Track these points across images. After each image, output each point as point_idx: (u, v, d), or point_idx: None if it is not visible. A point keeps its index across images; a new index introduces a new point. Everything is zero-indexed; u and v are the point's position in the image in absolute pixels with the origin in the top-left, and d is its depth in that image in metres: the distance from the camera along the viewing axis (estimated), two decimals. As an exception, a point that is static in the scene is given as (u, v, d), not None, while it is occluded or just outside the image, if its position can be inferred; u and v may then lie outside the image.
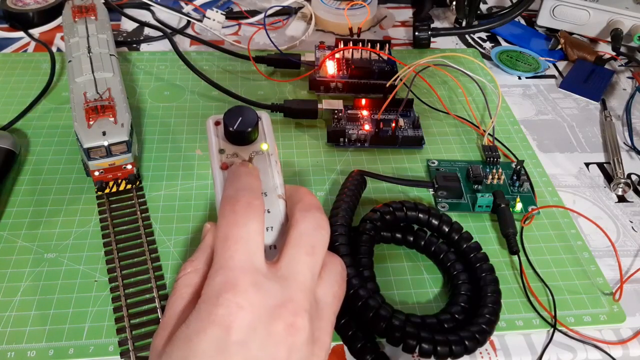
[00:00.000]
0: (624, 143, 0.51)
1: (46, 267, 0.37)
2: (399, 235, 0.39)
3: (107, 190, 0.42)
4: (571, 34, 0.64)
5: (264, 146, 0.29)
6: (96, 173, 0.41)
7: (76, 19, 0.51)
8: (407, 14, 0.69)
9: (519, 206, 0.42)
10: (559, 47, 0.62)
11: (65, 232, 0.40)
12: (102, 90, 0.42)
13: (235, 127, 0.28)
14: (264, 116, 0.31)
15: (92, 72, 0.44)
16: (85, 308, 0.35)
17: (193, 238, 0.40)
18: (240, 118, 0.28)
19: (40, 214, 0.41)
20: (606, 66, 0.60)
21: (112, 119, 0.40)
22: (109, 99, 0.41)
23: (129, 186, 0.42)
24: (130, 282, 0.37)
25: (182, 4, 0.67)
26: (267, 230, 0.27)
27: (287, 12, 0.66)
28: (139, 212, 0.41)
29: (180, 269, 0.26)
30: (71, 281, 0.37)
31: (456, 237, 0.38)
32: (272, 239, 0.27)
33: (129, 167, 0.41)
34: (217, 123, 0.30)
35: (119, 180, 0.42)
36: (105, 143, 0.39)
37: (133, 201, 0.42)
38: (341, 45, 0.53)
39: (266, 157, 0.29)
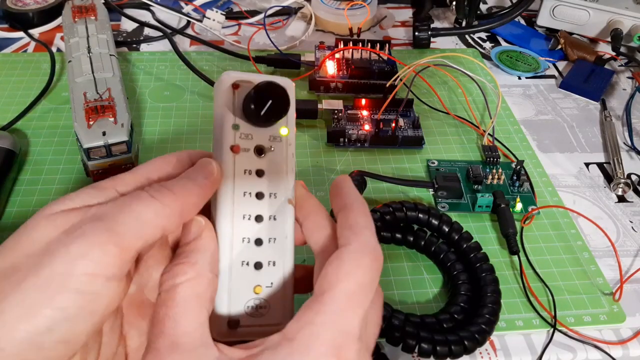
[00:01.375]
0: (624, 143, 0.51)
1: (46, 267, 0.37)
2: (399, 236, 0.39)
3: None
4: (571, 34, 0.64)
5: (284, 131, 0.25)
6: (96, 173, 0.41)
7: (76, 19, 0.51)
8: (407, 14, 0.69)
9: (519, 206, 0.42)
10: (559, 47, 0.62)
11: (65, 232, 0.40)
12: (102, 90, 0.42)
13: (264, 112, 0.23)
14: (289, 86, 0.25)
15: (92, 72, 0.44)
16: (85, 308, 0.35)
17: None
18: (271, 101, 0.23)
19: (40, 214, 0.41)
20: (606, 66, 0.60)
21: (112, 119, 0.40)
22: (108, 99, 0.41)
23: None
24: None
25: (182, 4, 0.67)
26: (269, 241, 0.24)
27: (287, 12, 0.66)
28: (139, 212, 0.41)
29: (174, 270, 0.22)
30: (71, 281, 0.37)
31: (456, 237, 0.38)
32: (269, 253, 0.24)
33: (129, 167, 0.41)
34: (235, 86, 0.24)
35: None
36: (106, 143, 0.39)
37: (133, 201, 0.42)
38: (341, 46, 0.53)
39: (284, 146, 0.25)
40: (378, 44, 0.53)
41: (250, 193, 0.24)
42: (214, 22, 0.60)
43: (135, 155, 0.42)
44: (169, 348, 0.20)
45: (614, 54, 0.60)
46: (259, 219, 0.24)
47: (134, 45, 0.60)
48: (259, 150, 0.24)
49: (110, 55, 0.47)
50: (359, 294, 0.21)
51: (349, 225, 0.23)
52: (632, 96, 0.56)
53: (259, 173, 0.24)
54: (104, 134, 0.39)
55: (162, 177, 0.24)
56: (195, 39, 0.58)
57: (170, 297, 0.21)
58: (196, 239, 0.23)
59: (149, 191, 0.22)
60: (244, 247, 0.24)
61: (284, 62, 0.55)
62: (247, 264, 0.24)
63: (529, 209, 0.43)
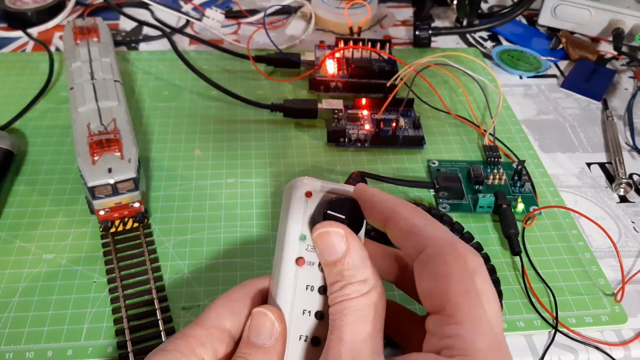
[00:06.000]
0: (626, 143, 0.51)
1: (44, 267, 0.37)
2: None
3: (112, 230, 0.39)
4: (572, 33, 0.64)
5: None
6: (101, 212, 0.37)
7: (78, 42, 0.48)
8: (407, 13, 0.68)
9: (520, 206, 0.42)
10: (560, 46, 0.62)
11: (63, 232, 0.40)
12: (106, 121, 0.40)
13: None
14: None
15: (96, 101, 0.41)
16: (84, 309, 0.35)
17: (192, 239, 0.40)
18: (345, 217, 0.22)
19: (39, 215, 0.41)
20: (608, 65, 0.60)
21: (118, 154, 0.37)
22: (114, 132, 0.39)
23: (135, 225, 0.39)
24: (129, 283, 0.36)
25: (181, 3, 0.66)
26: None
27: (287, 11, 0.66)
28: (138, 213, 0.40)
29: (347, 288, 0.21)
30: (70, 282, 0.36)
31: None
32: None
33: (137, 205, 0.38)
34: (308, 194, 0.22)
35: (126, 219, 0.39)
36: (112, 181, 0.36)
37: (132, 202, 0.41)
38: (341, 45, 0.53)
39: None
40: (378, 43, 0.53)
41: (309, 312, 0.22)
42: (214, 21, 0.60)
43: (143, 192, 0.39)
44: (349, 353, 0.21)
45: (615, 53, 0.60)
46: (315, 341, 0.22)
47: (133, 45, 0.60)
48: None
49: (115, 81, 0.44)
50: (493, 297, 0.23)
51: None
52: (633, 96, 0.55)
53: (322, 290, 0.22)
54: (109, 170, 0.36)
55: (233, 324, 0.24)
56: (194, 38, 0.58)
57: (350, 306, 0.21)
58: (353, 251, 0.22)
59: None
60: None
61: (284, 61, 0.55)
62: None
63: (531, 209, 0.42)
